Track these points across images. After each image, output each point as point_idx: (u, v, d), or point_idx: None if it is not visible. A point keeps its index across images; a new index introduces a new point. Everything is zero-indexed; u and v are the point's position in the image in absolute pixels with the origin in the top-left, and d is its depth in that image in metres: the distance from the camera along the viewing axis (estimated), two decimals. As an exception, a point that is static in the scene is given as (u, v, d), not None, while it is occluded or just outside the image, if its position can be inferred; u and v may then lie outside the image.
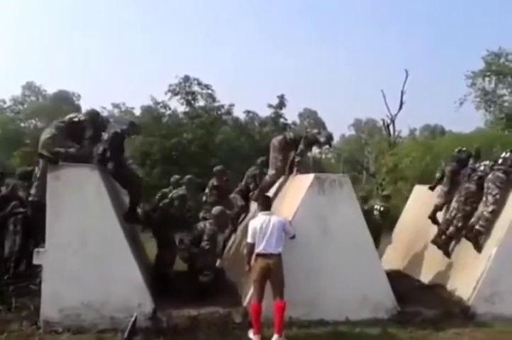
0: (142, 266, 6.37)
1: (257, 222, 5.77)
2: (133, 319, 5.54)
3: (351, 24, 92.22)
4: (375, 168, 22.47)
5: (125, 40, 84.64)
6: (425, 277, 7.81)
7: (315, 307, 6.09)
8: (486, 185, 6.98)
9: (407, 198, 9.84)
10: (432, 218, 7.92)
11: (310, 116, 60.32)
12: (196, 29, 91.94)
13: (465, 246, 7.16)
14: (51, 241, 5.75)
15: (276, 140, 7.45)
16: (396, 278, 7.47)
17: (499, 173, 6.93)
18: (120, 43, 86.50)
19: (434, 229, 7.90)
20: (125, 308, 5.74)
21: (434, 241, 7.58)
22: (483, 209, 6.92)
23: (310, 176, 6.43)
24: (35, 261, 5.83)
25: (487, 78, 23.86)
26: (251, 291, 5.85)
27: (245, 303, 6.12)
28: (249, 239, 5.76)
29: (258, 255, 5.65)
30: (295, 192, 6.78)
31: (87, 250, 5.79)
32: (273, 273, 5.56)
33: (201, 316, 5.94)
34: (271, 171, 7.41)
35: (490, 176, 7.00)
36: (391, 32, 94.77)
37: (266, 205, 6.03)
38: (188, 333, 5.72)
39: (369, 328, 5.96)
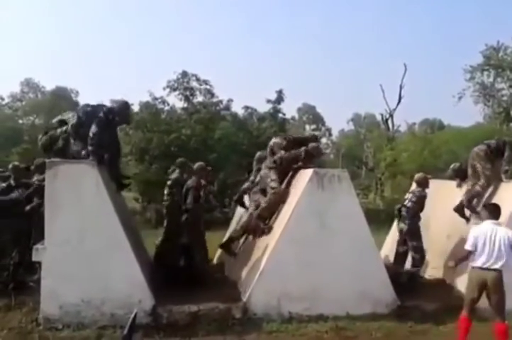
0: (142, 262, 6.36)
1: (482, 230, 5.26)
2: (133, 315, 5.52)
3: (350, 19, 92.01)
4: (374, 163, 22.41)
5: (123, 35, 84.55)
6: (425, 271, 7.80)
7: (315, 301, 6.09)
8: None
9: (406, 192, 9.82)
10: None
11: (309, 111, 60.35)
12: (194, 24, 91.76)
13: (463, 239, 7.15)
14: (50, 238, 5.75)
15: (479, 150, 7.43)
16: (395, 272, 7.45)
17: None
18: (118, 39, 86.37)
19: (433, 222, 7.90)
20: (126, 304, 5.72)
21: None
22: None
23: (309, 171, 6.42)
24: (35, 258, 5.83)
25: (486, 73, 23.73)
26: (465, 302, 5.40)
27: (244, 298, 6.12)
28: (468, 246, 5.31)
29: (474, 267, 5.23)
30: (294, 187, 6.77)
31: (87, 246, 5.78)
32: (490, 290, 5.10)
33: (201, 311, 5.94)
34: (481, 181, 7.27)
35: None
36: (389, 27, 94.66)
37: (496, 213, 5.43)
38: (189, 329, 5.72)
39: (370, 322, 5.97)
